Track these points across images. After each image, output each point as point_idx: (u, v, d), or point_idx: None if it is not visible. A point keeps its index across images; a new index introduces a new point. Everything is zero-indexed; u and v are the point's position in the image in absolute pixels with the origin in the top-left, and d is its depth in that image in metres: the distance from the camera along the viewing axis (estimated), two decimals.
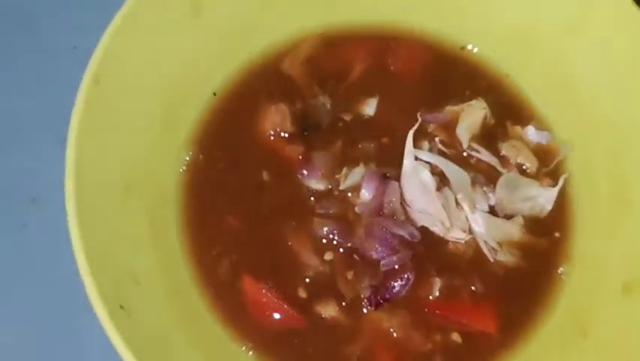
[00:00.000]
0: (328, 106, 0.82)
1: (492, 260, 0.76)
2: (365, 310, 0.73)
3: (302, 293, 0.74)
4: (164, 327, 0.68)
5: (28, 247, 0.83)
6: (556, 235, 0.79)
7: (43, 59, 0.92)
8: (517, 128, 0.84)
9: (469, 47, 0.87)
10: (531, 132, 0.84)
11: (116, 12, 0.73)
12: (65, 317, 0.80)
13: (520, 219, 0.78)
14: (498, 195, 0.79)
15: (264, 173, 0.79)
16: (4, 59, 0.92)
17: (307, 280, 0.74)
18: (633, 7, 0.75)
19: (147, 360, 0.60)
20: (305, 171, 0.78)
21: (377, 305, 0.73)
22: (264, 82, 0.83)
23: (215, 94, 0.83)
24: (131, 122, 0.73)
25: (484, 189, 0.79)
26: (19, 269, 0.82)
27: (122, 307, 0.62)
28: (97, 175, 0.67)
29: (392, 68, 0.85)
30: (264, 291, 0.73)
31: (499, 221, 0.77)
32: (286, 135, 0.80)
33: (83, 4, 0.94)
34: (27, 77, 0.91)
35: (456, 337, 0.74)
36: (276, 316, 0.73)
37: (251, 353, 0.72)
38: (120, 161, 0.71)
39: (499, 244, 0.76)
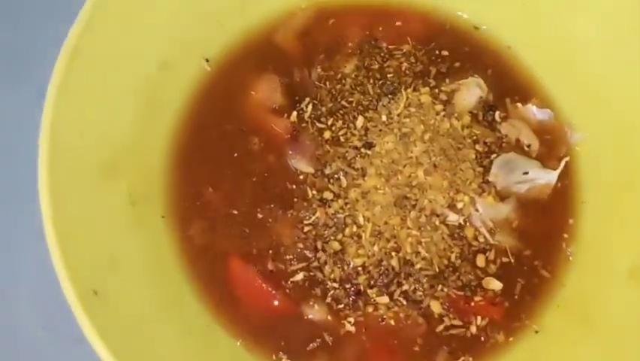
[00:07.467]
0: (315, 79, 0.80)
1: (492, 242, 0.73)
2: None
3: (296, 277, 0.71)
4: (144, 315, 0.65)
5: None
6: (570, 221, 0.77)
7: None
8: (518, 105, 0.81)
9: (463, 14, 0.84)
10: (532, 110, 0.81)
11: None
12: None
13: (513, 201, 0.76)
14: (493, 174, 0.76)
15: (255, 140, 0.77)
16: None
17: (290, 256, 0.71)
18: None
19: (120, 349, 0.57)
20: (291, 152, 0.76)
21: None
22: (256, 52, 0.81)
23: (207, 60, 0.80)
24: (113, 96, 0.69)
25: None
26: None
27: (95, 292, 0.60)
28: (73, 153, 0.64)
29: (383, 41, 0.83)
30: (252, 275, 0.70)
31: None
32: (276, 107, 0.79)
33: None
34: None
35: (456, 322, 0.71)
36: (265, 301, 0.70)
37: (239, 342, 0.69)
38: (100, 139, 0.68)
39: (494, 224, 0.74)
